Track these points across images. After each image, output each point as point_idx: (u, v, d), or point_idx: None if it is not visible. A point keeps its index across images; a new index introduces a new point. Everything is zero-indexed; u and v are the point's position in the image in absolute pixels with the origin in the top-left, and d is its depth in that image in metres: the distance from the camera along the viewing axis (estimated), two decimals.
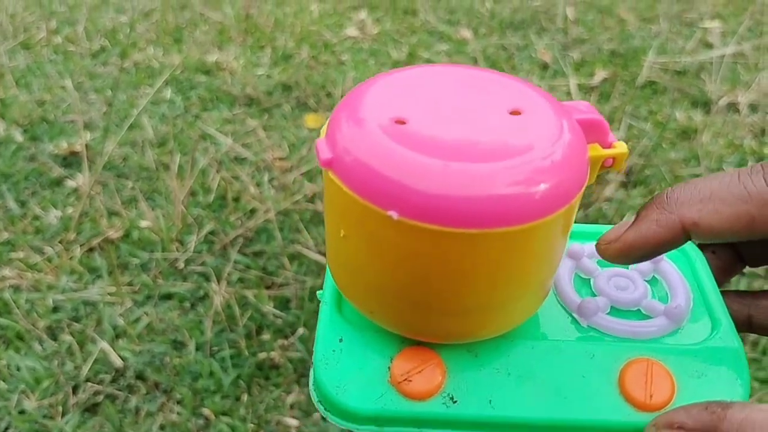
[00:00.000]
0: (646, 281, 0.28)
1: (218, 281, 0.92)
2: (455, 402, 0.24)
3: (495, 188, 0.19)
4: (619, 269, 0.28)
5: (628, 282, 0.28)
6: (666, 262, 0.28)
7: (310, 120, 1.27)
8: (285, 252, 0.96)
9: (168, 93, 1.34)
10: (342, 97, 1.32)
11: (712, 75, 1.39)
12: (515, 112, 0.22)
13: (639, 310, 0.27)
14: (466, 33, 1.57)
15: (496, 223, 0.20)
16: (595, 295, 0.27)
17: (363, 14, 1.67)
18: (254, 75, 1.40)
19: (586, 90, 1.35)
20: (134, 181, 1.10)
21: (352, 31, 1.60)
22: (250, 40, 1.56)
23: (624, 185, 1.10)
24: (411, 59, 1.48)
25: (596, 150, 0.23)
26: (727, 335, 0.26)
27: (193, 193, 1.07)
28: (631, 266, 0.28)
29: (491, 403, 0.24)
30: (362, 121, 0.21)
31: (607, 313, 0.27)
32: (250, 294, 0.90)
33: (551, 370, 0.25)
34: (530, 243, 0.21)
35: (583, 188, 0.22)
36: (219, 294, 0.89)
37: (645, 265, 0.28)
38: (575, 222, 0.26)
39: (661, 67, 1.43)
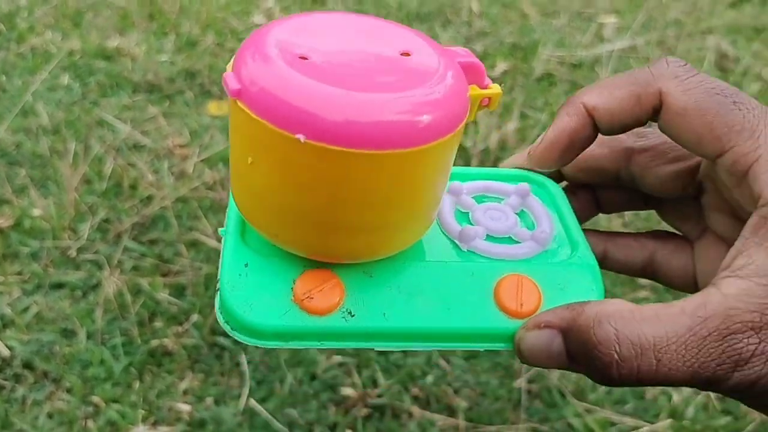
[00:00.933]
0: (516, 214, 0.32)
1: (111, 269, 0.91)
2: (353, 316, 0.26)
3: (390, 115, 0.22)
4: (492, 204, 0.32)
5: (501, 214, 0.31)
6: (532, 197, 0.32)
7: (213, 107, 1.27)
8: (182, 239, 0.96)
9: (66, 79, 1.30)
10: None
11: (605, 68, 1.46)
12: (405, 54, 0.25)
13: (510, 237, 0.30)
14: None
15: (390, 145, 0.22)
16: (473, 225, 0.31)
17: (270, 2, 1.66)
18: (157, 61, 1.38)
19: None
20: (28, 168, 1.07)
21: (259, 18, 1.59)
22: (153, 26, 1.53)
23: None
24: None
25: (475, 90, 0.26)
26: (584, 255, 0.30)
27: (88, 181, 1.05)
28: (504, 201, 0.32)
29: (385, 316, 0.27)
30: (267, 55, 0.23)
31: (484, 239, 0.30)
32: (144, 282, 0.89)
33: (437, 286, 0.28)
34: (419, 166, 0.24)
35: (465, 122, 0.25)
36: (111, 282, 0.88)
37: (514, 200, 0.32)
38: (456, 164, 0.30)
39: (558, 60, 1.48)
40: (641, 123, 0.28)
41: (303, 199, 0.24)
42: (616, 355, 0.23)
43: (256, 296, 0.26)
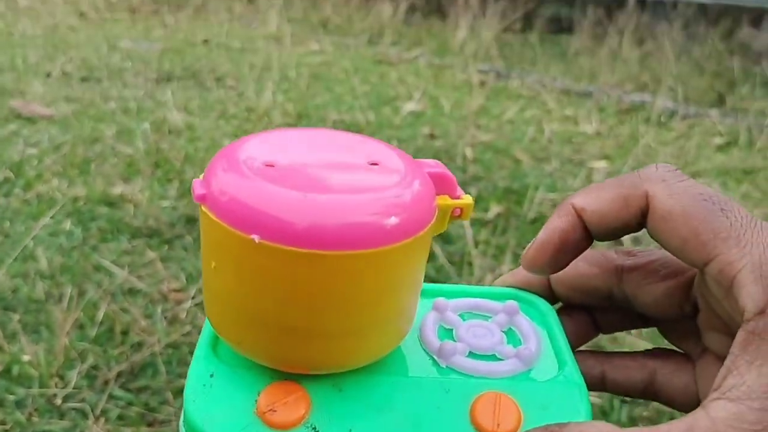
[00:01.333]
0: (503, 332, 0.30)
1: (95, 418, 0.88)
2: (317, 431, 0.25)
3: (345, 216, 0.22)
4: (478, 321, 0.31)
5: (486, 331, 0.30)
6: (521, 315, 0.31)
7: None
8: (170, 387, 0.94)
9: (68, 224, 1.33)
10: None
11: None
12: (374, 163, 0.25)
13: (494, 354, 0.29)
14: None
15: (344, 246, 0.22)
16: (455, 342, 0.29)
17: None
18: (159, 207, 1.41)
19: (481, 224, 1.41)
20: (21, 313, 1.07)
21: None
22: (158, 173, 1.58)
23: None
24: None
25: (445, 200, 0.26)
26: (571, 373, 0.28)
27: (81, 326, 1.05)
28: (491, 319, 0.31)
29: None
30: (234, 163, 0.24)
31: (465, 356, 0.28)
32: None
33: (410, 403, 0.26)
34: (374, 269, 0.23)
35: (429, 226, 0.24)
36: None
37: (502, 317, 0.31)
38: (444, 283, 0.28)
39: (551, 203, 1.51)
40: (630, 226, 0.28)
41: (260, 303, 0.24)
42: None
43: (218, 408, 0.25)
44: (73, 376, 0.95)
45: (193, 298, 1.13)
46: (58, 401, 0.91)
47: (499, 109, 2.22)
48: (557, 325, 0.31)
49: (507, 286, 0.33)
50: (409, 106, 2.12)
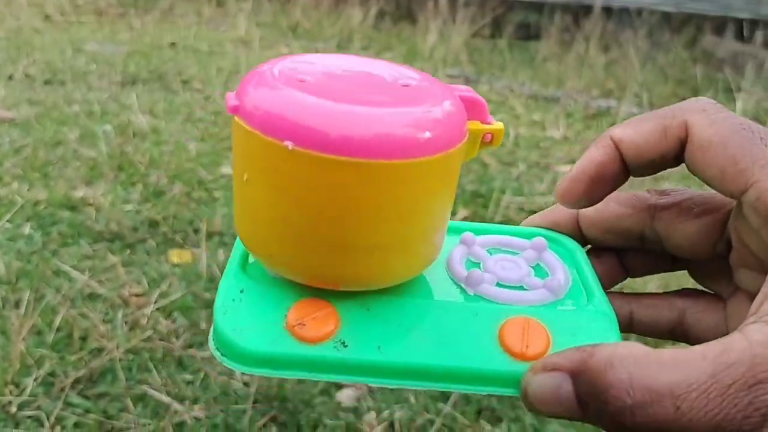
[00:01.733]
0: (531, 267, 0.30)
1: (52, 427, 0.86)
2: (345, 346, 0.25)
3: (381, 126, 0.22)
4: (506, 255, 0.31)
5: (514, 265, 0.30)
6: (548, 252, 0.31)
7: (175, 255, 1.27)
8: (129, 393, 0.92)
9: (27, 228, 1.30)
10: (209, 232, 1.32)
11: None
12: (406, 85, 0.25)
13: (522, 285, 0.29)
14: None
15: (377, 154, 0.22)
16: (482, 272, 0.29)
17: None
18: (121, 211, 1.39)
19: None
20: None
21: (227, 169, 1.63)
22: (122, 176, 1.56)
23: None
24: None
25: (476, 125, 0.26)
26: (600, 304, 0.28)
27: (38, 332, 1.03)
28: (518, 254, 0.31)
29: (380, 349, 0.25)
30: (267, 77, 0.24)
31: (493, 286, 0.28)
32: None
33: (437, 324, 0.26)
34: (405, 181, 0.23)
35: (461, 144, 0.24)
36: None
37: (529, 253, 0.31)
38: (473, 221, 0.30)
39: (518, 206, 1.52)
40: (667, 159, 0.27)
41: (291, 214, 0.24)
42: (629, 401, 0.21)
43: (247, 322, 0.25)
44: (29, 383, 0.93)
45: (154, 302, 1.11)
46: (13, 409, 0.89)
47: None
48: (586, 262, 0.31)
49: (535, 227, 0.33)
50: None
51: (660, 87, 2.53)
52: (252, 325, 0.25)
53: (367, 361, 0.25)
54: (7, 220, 1.33)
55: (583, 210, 0.32)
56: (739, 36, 2.78)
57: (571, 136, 2.06)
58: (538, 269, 0.31)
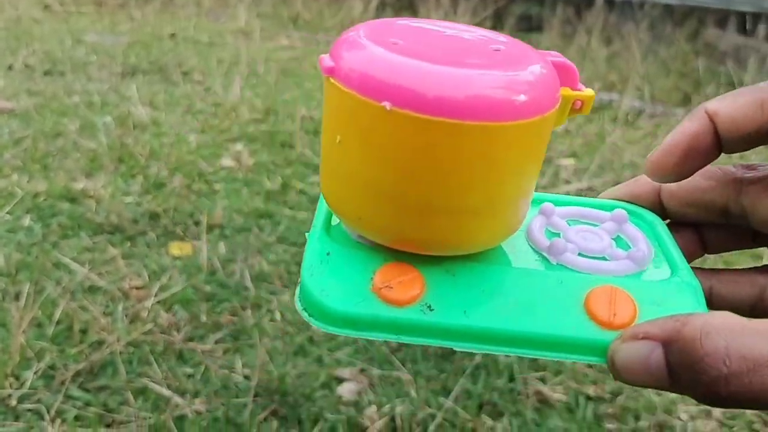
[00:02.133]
0: (612, 239, 0.30)
1: (52, 420, 0.86)
2: (432, 310, 0.25)
3: (477, 88, 0.22)
4: (586, 227, 0.31)
5: (595, 236, 0.30)
6: (629, 224, 0.31)
7: (175, 248, 1.26)
8: (130, 386, 0.92)
9: (27, 220, 1.30)
10: (209, 225, 1.32)
11: None
12: (497, 50, 0.25)
13: (604, 257, 0.29)
14: None
15: (475, 116, 0.22)
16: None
17: (240, 146, 1.71)
18: (122, 203, 1.39)
19: None
20: None
21: (227, 161, 1.63)
22: (122, 168, 1.55)
23: None
24: (285, 189, 1.51)
25: (567, 91, 0.26)
26: (686, 276, 0.28)
27: (39, 325, 1.02)
28: (599, 226, 0.31)
29: (466, 314, 0.25)
30: (362, 39, 0.24)
31: (576, 255, 0.28)
32: None
33: (522, 291, 0.26)
34: (502, 144, 0.23)
35: (554, 110, 0.24)
36: None
37: (610, 225, 0.30)
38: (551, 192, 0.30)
39: None
40: (762, 133, 0.27)
41: (386, 174, 0.24)
42: (725, 370, 0.21)
43: (335, 283, 0.26)
44: (29, 375, 0.92)
45: (155, 295, 1.11)
46: (13, 402, 0.89)
47: None
48: (667, 235, 0.30)
49: (614, 199, 0.32)
50: None
51: (662, 80, 2.52)
52: (339, 286, 0.26)
53: (453, 325, 0.25)
54: (7, 212, 1.32)
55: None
56: (742, 29, 2.77)
57: (572, 130, 2.05)
58: (619, 241, 0.30)
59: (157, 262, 1.21)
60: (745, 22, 2.77)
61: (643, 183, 0.32)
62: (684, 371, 0.22)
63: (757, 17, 2.73)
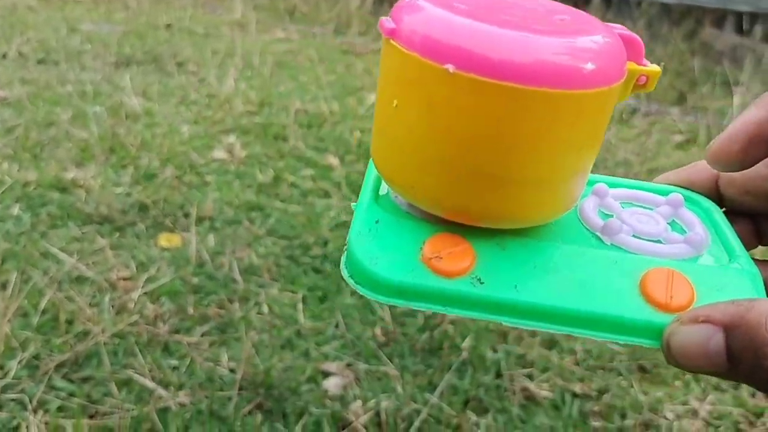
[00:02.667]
0: (667, 223, 0.29)
1: (35, 410, 0.86)
2: (482, 283, 0.24)
3: (544, 53, 0.22)
4: (640, 209, 0.30)
5: (650, 219, 0.29)
6: (685, 209, 0.30)
7: (164, 239, 1.26)
8: (114, 378, 0.92)
9: (16, 209, 1.29)
10: (199, 217, 1.31)
11: None
12: (562, 19, 0.24)
13: (660, 240, 0.28)
14: (333, 160, 1.63)
15: (539, 82, 0.21)
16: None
17: (232, 138, 1.70)
18: (112, 193, 1.38)
19: None
20: None
21: (220, 153, 1.62)
22: (113, 158, 1.55)
23: None
24: (276, 182, 1.50)
25: (633, 66, 0.25)
26: (745, 263, 0.27)
27: (25, 314, 1.02)
28: (653, 210, 0.30)
29: (517, 288, 0.24)
30: (422, 2, 0.24)
31: (631, 237, 0.28)
32: (68, 424, 0.84)
33: (575, 269, 0.25)
34: (565, 113, 0.22)
35: (620, 82, 0.24)
36: (33, 424, 0.83)
37: (665, 209, 0.30)
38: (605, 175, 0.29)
39: None
40: None
41: (444, 140, 0.23)
42: None
43: (383, 251, 0.25)
44: (13, 365, 0.92)
45: (142, 287, 1.10)
46: None
47: None
48: (724, 222, 0.30)
49: (669, 185, 0.32)
50: (374, 98, 2.10)
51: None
52: (387, 255, 0.25)
53: (503, 299, 0.24)
54: None
55: None
56: (739, 29, 2.77)
57: None
58: (674, 225, 0.29)
59: (145, 253, 1.20)
60: (742, 22, 2.76)
61: (701, 169, 0.31)
62: (745, 357, 0.21)
63: (754, 17, 2.73)
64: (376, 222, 0.26)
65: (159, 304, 1.07)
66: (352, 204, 0.28)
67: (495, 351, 1.04)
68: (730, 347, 0.22)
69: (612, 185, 0.31)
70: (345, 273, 0.25)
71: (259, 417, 0.88)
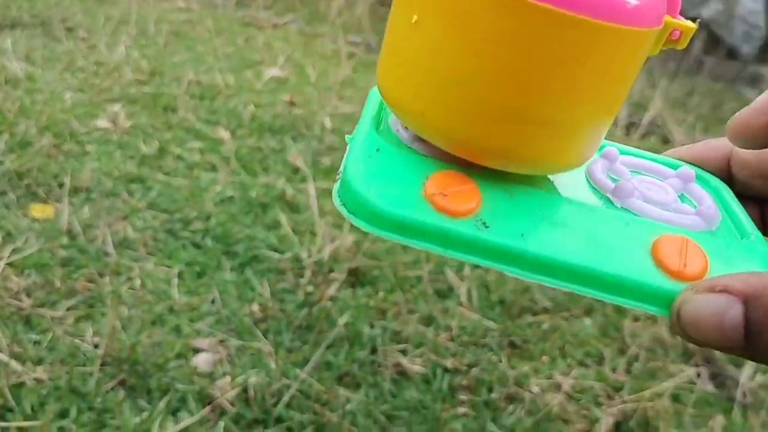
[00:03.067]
0: (677, 195, 0.28)
1: None
2: (487, 227, 0.23)
3: None
4: (650, 178, 0.29)
5: (660, 188, 0.28)
6: (695, 184, 0.29)
7: (36, 210, 1.20)
8: None
9: None
10: (75, 188, 1.26)
11: None
12: None
13: (670, 210, 0.27)
14: (224, 133, 1.59)
15: (576, 7, 0.20)
16: None
17: (117, 107, 1.63)
18: None
19: (329, 193, 1.40)
20: None
21: (103, 122, 1.55)
22: None
23: (351, 285, 1.14)
24: (161, 154, 1.46)
25: (669, 18, 0.23)
26: (758, 239, 0.26)
27: None
28: (663, 180, 0.29)
29: (524, 237, 0.23)
30: None
31: (642, 202, 0.26)
32: None
33: (585, 226, 0.24)
34: (605, 47, 0.21)
35: (658, 28, 0.23)
36: None
37: (675, 182, 0.29)
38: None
39: None
40: None
41: (464, 62, 0.22)
42: None
43: (382, 181, 0.23)
44: None
45: (7, 257, 1.04)
46: None
47: (365, 81, 2.20)
48: (735, 201, 0.28)
49: (680, 161, 0.30)
50: (272, 72, 2.06)
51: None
52: (387, 185, 0.23)
53: (509, 246, 0.23)
54: None
55: (739, 149, 0.29)
56: None
57: None
58: (684, 199, 0.28)
59: (14, 223, 1.14)
60: None
61: (713, 147, 0.30)
62: (766, 332, 0.20)
63: None
64: (377, 150, 0.24)
65: (24, 277, 1.02)
66: (347, 136, 0.26)
67: (372, 327, 1.05)
68: (750, 321, 0.20)
69: (622, 152, 0.30)
70: (337, 201, 0.23)
71: (121, 393, 0.86)
